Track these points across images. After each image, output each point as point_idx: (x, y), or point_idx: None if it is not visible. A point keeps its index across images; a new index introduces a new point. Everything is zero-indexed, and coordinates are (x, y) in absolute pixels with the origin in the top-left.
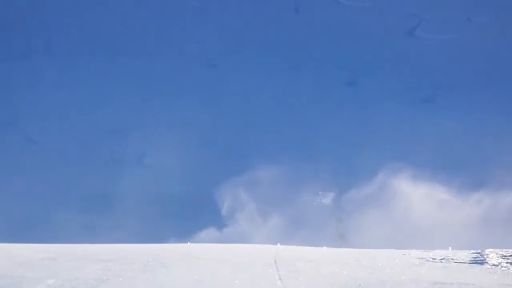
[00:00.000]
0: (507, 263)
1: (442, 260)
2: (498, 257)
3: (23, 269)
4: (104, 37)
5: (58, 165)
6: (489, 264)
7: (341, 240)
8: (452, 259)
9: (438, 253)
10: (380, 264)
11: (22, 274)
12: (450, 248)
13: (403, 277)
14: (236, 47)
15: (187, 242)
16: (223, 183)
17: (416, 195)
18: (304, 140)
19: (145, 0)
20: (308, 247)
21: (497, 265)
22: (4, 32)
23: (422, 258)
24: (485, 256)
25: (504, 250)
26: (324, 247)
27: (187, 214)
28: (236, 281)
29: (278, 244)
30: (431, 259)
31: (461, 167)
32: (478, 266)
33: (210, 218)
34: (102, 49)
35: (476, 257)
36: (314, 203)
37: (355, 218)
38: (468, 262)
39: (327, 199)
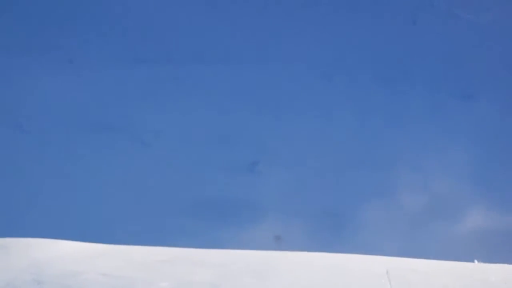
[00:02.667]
0: None
1: None
2: None
3: (138, 271)
4: (222, 45)
5: (171, 170)
6: None
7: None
8: None
9: None
10: (493, 278)
11: (137, 276)
12: None
13: None
14: (350, 58)
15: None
16: (339, 196)
17: None
18: (416, 154)
19: (267, 8)
20: (419, 259)
21: None
22: (123, 36)
23: None
24: None
25: None
26: (436, 260)
27: (299, 225)
28: None
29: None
30: None
31: None
32: None
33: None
34: (220, 57)
35: None
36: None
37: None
38: None
39: None
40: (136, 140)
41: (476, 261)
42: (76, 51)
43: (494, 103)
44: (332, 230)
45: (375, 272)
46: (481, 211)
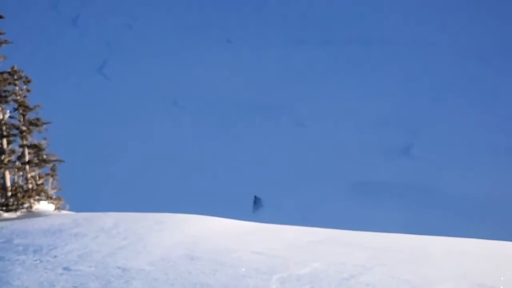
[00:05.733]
0: None
1: None
2: None
3: (292, 251)
4: (379, 28)
5: (326, 150)
6: None
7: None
8: None
9: None
10: None
11: (290, 255)
12: None
13: None
14: (509, 42)
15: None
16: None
17: None
18: None
19: None
20: None
21: None
22: (282, 18)
23: None
24: None
25: None
26: None
27: (456, 208)
28: (502, 278)
29: None
30: None
31: None
32: None
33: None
34: (377, 40)
35: None
36: None
37: None
38: None
39: None
40: (293, 121)
41: None
42: (235, 31)
43: None
44: (488, 217)
45: None
46: None
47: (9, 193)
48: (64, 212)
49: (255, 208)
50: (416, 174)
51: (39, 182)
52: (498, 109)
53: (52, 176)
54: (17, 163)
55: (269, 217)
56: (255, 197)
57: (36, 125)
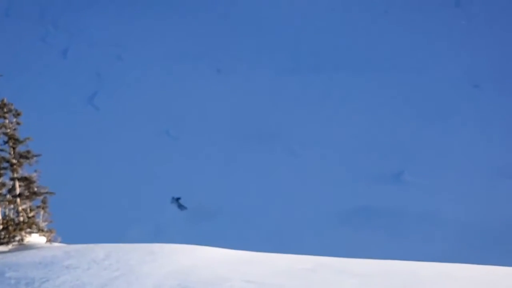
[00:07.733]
0: None
1: None
2: None
3: (283, 279)
4: (370, 55)
5: (317, 178)
6: None
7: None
8: None
9: None
10: None
11: (282, 283)
12: None
13: None
14: (499, 68)
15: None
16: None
17: None
18: None
19: (415, 22)
20: None
21: None
22: (272, 47)
23: None
24: None
25: None
26: None
27: (448, 235)
28: None
29: None
30: None
31: None
32: None
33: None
34: (368, 66)
35: None
36: None
37: None
38: None
39: None
40: (285, 150)
41: None
42: (225, 60)
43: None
44: (481, 242)
45: None
46: None
47: (0, 226)
48: (55, 244)
49: (181, 208)
50: (407, 200)
51: (30, 214)
52: (490, 133)
53: (43, 208)
54: (8, 196)
55: (261, 246)
56: (175, 199)
57: (27, 157)
